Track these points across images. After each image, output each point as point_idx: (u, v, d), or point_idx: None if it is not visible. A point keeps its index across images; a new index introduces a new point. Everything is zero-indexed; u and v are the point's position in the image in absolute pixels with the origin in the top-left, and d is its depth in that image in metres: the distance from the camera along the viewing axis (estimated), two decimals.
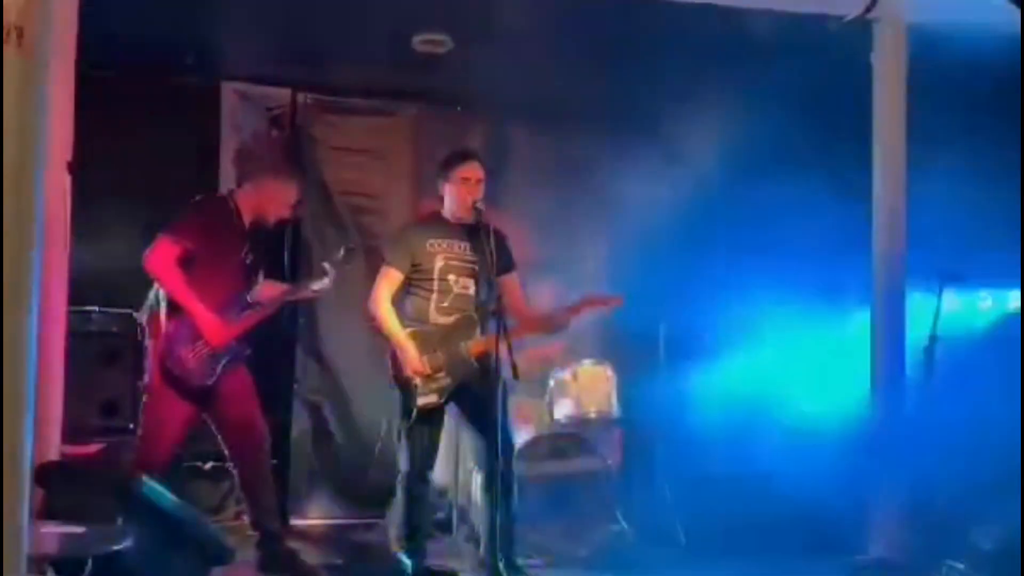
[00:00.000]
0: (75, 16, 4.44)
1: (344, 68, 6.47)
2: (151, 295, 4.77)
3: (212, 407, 4.79)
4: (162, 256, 4.64)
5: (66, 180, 4.36)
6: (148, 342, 4.79)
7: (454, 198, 4.89)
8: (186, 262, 4.67)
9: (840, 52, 5.52)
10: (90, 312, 5.76)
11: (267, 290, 4.99)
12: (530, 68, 5.87)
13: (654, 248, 6.24)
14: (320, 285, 5.03)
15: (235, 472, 4.93)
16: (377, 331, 4.94)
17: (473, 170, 4.89)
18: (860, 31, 5.57)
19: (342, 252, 5.13)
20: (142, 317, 4.83)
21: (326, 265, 5.03)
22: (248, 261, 4.89)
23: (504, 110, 6.96)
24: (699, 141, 5.97)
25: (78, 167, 4.40)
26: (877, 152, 5.64)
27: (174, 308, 4.67)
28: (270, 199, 4.94)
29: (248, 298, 4.87)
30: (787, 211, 6.00)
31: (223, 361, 4.72)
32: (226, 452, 4.91)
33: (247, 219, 4.91)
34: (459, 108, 6.95)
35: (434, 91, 6.81)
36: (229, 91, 6.60)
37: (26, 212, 2.55)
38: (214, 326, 4.67)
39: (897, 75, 5.60)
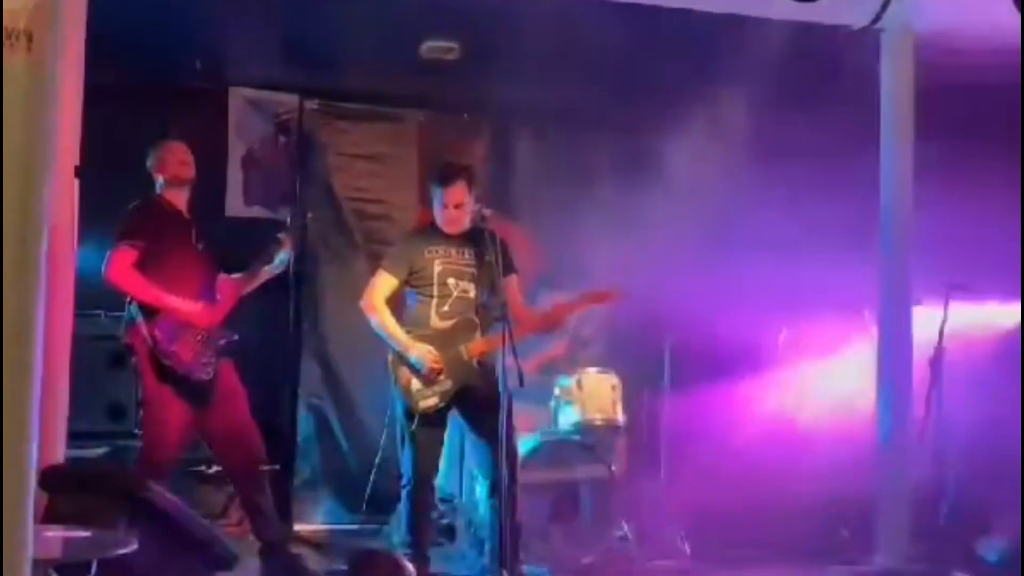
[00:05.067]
0: (83, 21, 4.45)
1: (351, 74, 6.48)
2: (126, 311, 4.74)
3: (206, 414, 4.77)
4: (119, 264, 4.62)
5: (73, 184, 4.37)
6: (133, 358, 4.75)
7: (438, 217, 4.93)
8: (144, 265, 4.65)
9: (848, 61, 5.52)
10: (96, 316, 5.77)
11: (224, 284, 4.95)
12: (537, 75, 5.87)
13: (661, 255, 6.23)
14: (280, 260, 4.95)
15: (232, 484, 4.92)
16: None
17: (452, 195, 4.87)
18: (868, 40, 5.57)
19: (288, 219, 5.08)
20: (122, 335, 4.78)
21: (281, 236, 4.94)
22: (200, 249, 4.87)
23: (511, 117, 6.97)
24: (706, 150, 5.96)
25: (85, 171, 4.40)
26: (884, 160, 5.64)
27: (149, 313, 4.64)
28: (165, 170, 4.87)
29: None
30: (794, 219, 6.00)
31: (214, 352, 4.71)
32: (221, 465, 4.90)
33: (183, 208, 4.88)
34: (466, 115, 6.96)
35: (441, 98, 6.82)
36: (237, 97, 6.61)
37: (33, 216, 2.56)
38: (196, 309, 4.67)
39: (905, 84, 5.60)
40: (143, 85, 6.15)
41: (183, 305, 4.66)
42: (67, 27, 3.48)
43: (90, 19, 4.48)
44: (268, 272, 5.01)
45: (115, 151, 5.50)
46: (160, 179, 4.89)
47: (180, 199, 4.90)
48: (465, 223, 4.85)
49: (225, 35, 5.90)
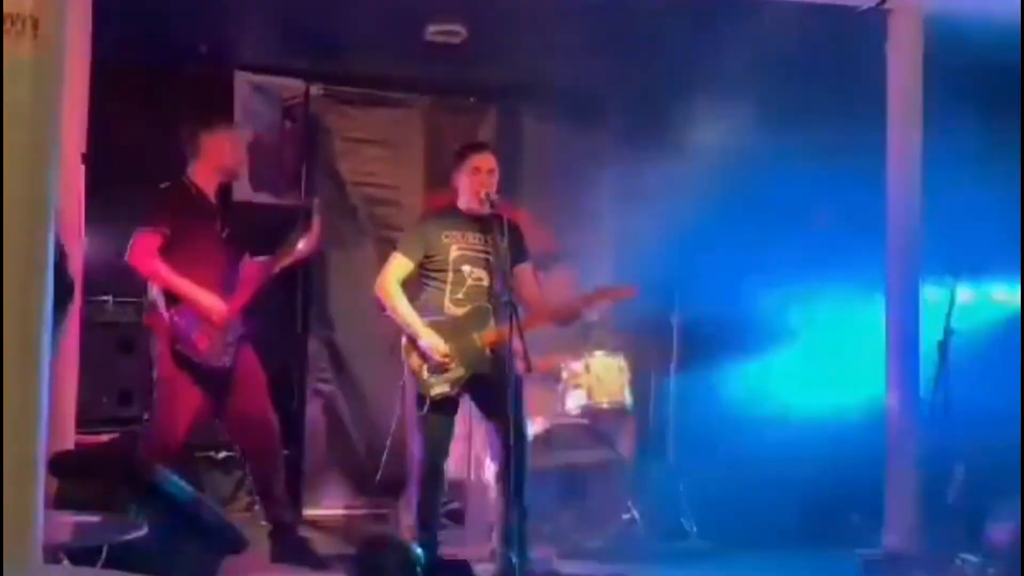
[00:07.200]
0: (89, 6, 4.45)
1: (358, 59, 6.48)
2: (148, 293, 4.77)
3: (223, 397, 4.78)
4: (142, 249, 4.63)
5: (80, 171, 4.37)
6: (152, 338, 4.77)
7: (466, 188, 4.88)
8: (167, 250, 4.66)
9: (855, 42, 5.49)
10: (104, 302, 5.78)
11: (248, 268, 4.96)
12: (543, 58, 5.85)
13: (668, 238, 6.22)
14: (304, 243, 4.95)
15: (247, 465, 4.94)
16: (392, 321, 4.93)
17: (485, 160, 4.88)
18: (875, 21, 5.54)
19: (315, 202, 5.09)
20: (145, 317, 4.79)
21: (315, 218, 4.95)
22: (225, 236, 4.87)
23: (518, 101, 6.96)
24: (714, 131, 5.95)
25: (92, 158, 4.41)
26: (892, 142, 5.61)
27: (171, 298, 4.66)
28: (220, 158, 4.87)
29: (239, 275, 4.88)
30: (801, 201, 5.98)
31: (234, 339, 4.72)
32: (237, 447, 4.92)
33: (211, 193, 4.87)
34: (473, 99, 6.95)
35: (448, 82, 6.81)
36: (243, 82, 6.60)
37: (41, 202, 2.56)
38: (215, 303, 4.68)
39: (912, 65, 5.57)
40: (148, 71, 6.15)
41: (203, 296, 4.66)
42: (73, 12, 3.46)
43: (96, 4, 4.47)
44: (290, 257, 5.01)
45: (121, 137, 5.51)
46: (198, 163, 4.85)
47: (211, 186, 4.88)
48: (484, 199, 4.81)
49: (230, 20, 5.90)
